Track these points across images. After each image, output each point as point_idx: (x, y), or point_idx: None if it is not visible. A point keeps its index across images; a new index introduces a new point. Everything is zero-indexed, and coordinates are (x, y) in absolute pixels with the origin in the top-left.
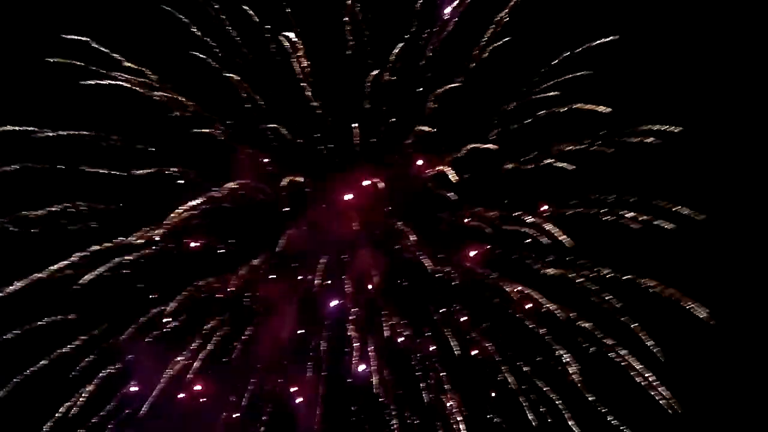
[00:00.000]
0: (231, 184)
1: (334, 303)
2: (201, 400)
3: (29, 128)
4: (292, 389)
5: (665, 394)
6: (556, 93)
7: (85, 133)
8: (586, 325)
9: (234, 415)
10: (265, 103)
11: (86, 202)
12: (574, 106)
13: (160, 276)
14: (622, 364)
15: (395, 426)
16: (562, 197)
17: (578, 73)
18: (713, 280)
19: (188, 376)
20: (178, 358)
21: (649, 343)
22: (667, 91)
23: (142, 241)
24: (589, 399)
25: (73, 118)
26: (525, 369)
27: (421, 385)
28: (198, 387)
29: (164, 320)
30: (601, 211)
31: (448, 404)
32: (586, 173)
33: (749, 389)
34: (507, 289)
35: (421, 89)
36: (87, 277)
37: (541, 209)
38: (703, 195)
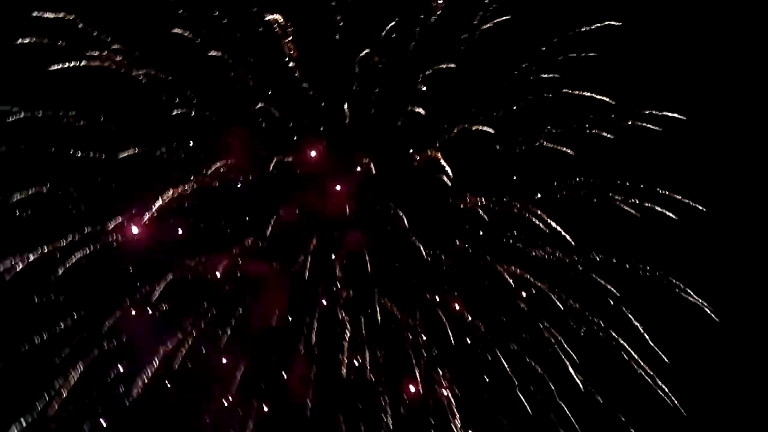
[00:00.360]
0: (219, 165)
1: (324, 285)
2: (193, 380)
3: (7, 108)
4: (284, 369)
5: (648, 370)
6: (555, 75)
7: (70, 114)
8: (576, 305)
9: (226, 402)
10: (254, 84)
11: (73, 185)
12: (575, 92)
13: (149, 258)
14: (613, 343)
15: (386, 404)
16: (560, 182)
17: (578, 54)
18: (714, 272)
19: (179, 353)
20: (169, 341)
21: (637, 324)
22: (671, 80)
23: (133, 227)
24: (580, 380)
25: (57, 99)
26: (515, 347)
27: (413, 362)
28: (189, 367)
29: (153, 302)
30: (599, 197)
31: (440, 386)
32: (585, 158)
33: (745, 375)
34: (501, 273)
35: (413, 71)
36: (74, 258)
37: (536, 197)
38: (706, 186)
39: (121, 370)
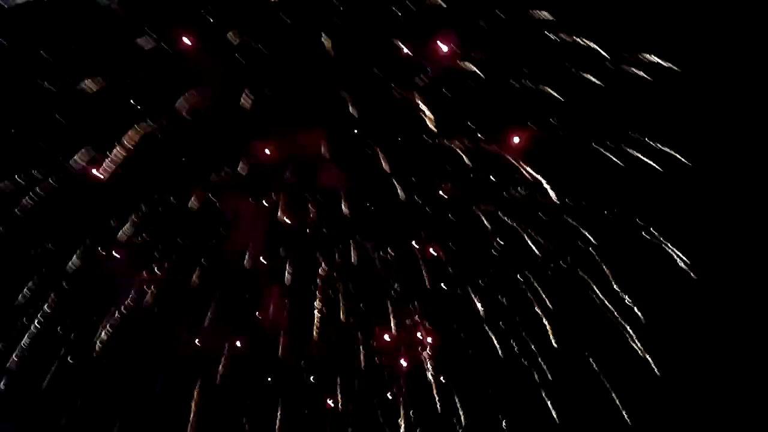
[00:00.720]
0: (191, 97)
1: (299, 222)
2: (165, 316)
3: None
4: (258, 306)
5: (620, 319)
6: (545, 15)
7: (29, 44)
8: (551, 247)
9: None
10: (229, 13)
11: (37, 116)
12: (565, 34)
13: (120, 191)
14: (586, 290)
15: (359, 342)
16: (543, 126)
17: None
18: (695, 229)
19: (150, 288)
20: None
21: (607, 270)
22: (668, 27)
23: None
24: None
25: (13, 30)
26: (482, 283)
27: (386, 301)
28: (162, 304)
29: (124, 236)
30: (583, 143)
31: (413, 324)
32: (571, 103)
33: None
34: (477, 213)
35: (395, 4)
36: (40, 191)
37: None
38: (695, 141)
39: (90, 305)
